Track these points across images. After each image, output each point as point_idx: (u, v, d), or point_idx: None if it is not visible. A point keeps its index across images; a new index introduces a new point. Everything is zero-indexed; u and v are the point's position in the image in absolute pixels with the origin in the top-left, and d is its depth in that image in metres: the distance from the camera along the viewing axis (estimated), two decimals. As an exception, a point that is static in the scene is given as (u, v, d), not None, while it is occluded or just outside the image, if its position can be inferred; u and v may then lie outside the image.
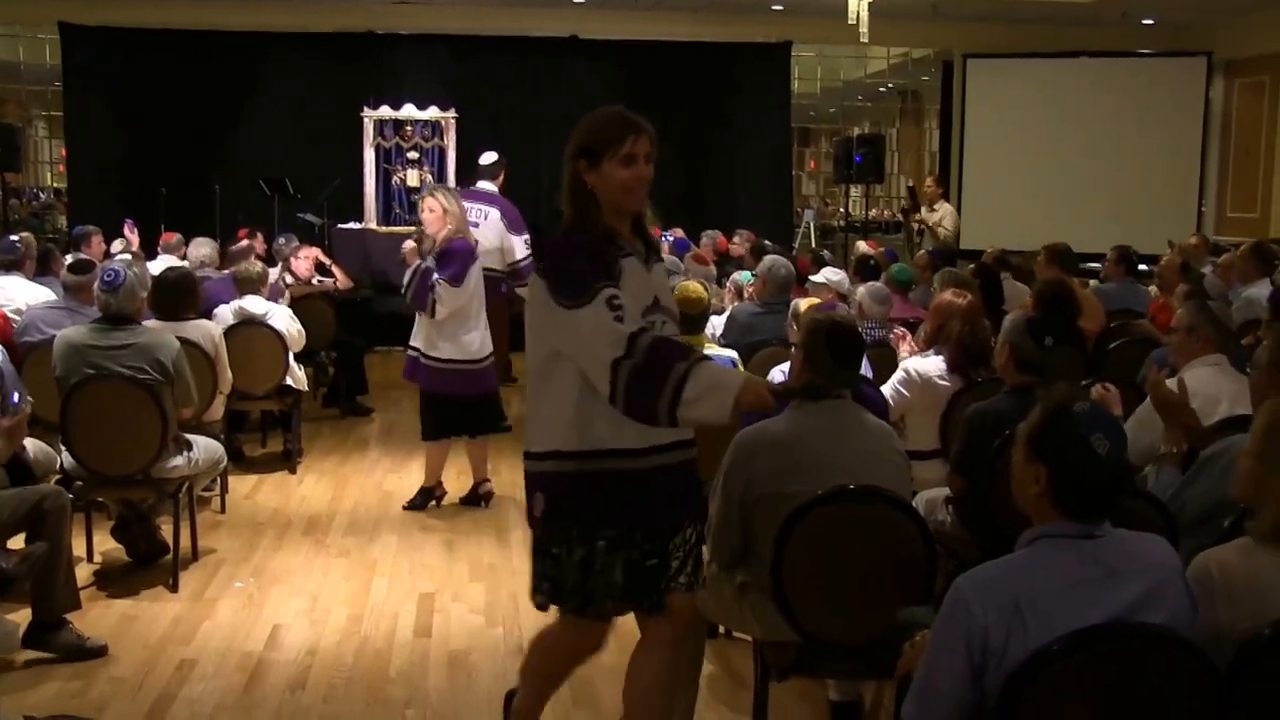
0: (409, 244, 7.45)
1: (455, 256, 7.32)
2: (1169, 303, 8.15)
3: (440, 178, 15.28)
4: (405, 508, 7.76)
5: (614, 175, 3.55)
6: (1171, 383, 4.82)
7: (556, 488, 3.57)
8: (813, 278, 8.60)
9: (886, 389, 5.98)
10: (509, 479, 8.15)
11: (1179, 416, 4.59)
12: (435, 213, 7.35)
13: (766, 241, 12.16)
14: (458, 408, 7.63)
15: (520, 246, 10.01)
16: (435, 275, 7.26)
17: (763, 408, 3.45)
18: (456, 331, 7.44)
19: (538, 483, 3.61)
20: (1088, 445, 2.74)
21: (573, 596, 3.62)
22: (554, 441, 3.54)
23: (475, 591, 6.31)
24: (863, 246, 12.30)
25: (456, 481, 8.04)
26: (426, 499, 7.84)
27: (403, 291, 7.48)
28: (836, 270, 8.94)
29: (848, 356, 4.21)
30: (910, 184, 18.64)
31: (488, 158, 10.46)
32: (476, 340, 7.53)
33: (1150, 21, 17.09)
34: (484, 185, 10.31)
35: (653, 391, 3.32)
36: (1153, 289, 9.86)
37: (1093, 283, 10.48)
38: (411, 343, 7.62)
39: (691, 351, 3.42)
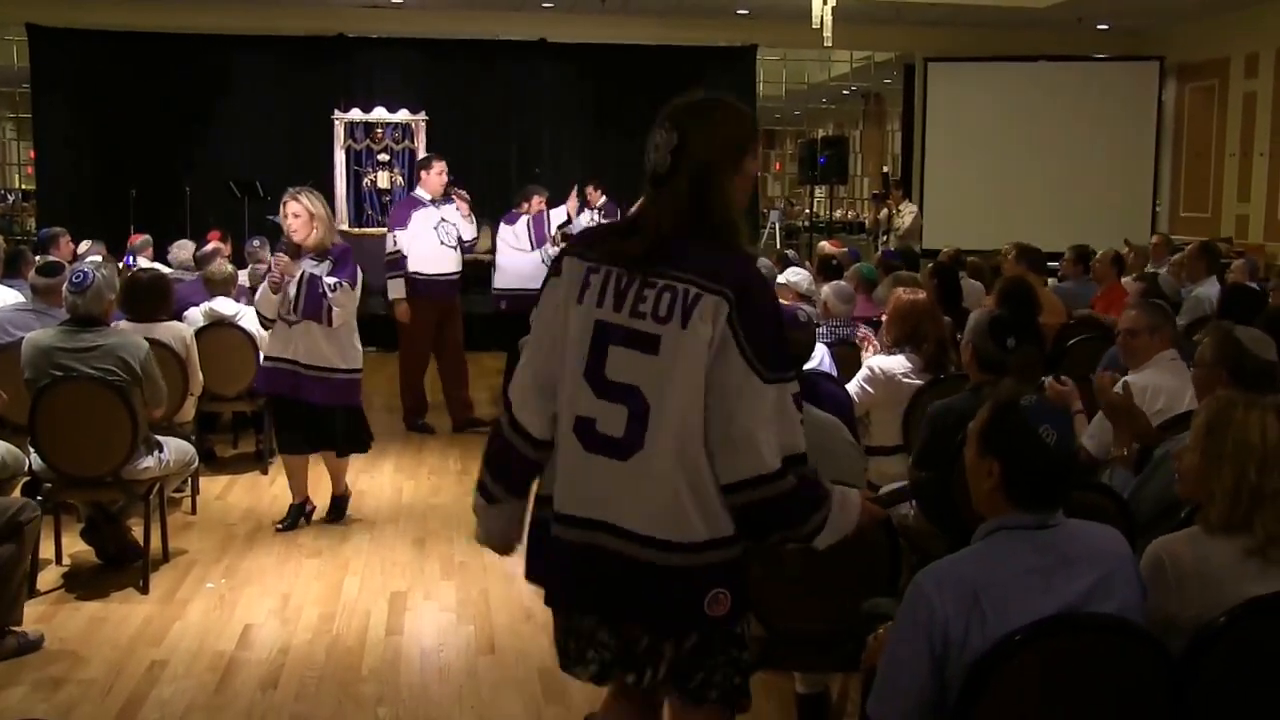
0: (279, 260, 6.87)
1: (346, 258, 6.98)
2: (1104, 298, 8.21)
3: (410, 180, 15.24)
4: (278, 529, 7.24)
5: (750, 174, 3.01)
6: (1122, 385, 4.85)
7: (735, 579, 2.91)
8: (777, 279, 8.59)
9: (852, 386, 5.98)
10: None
11: (1127, 419, 4.62)
12: (301, 217, 6.86)
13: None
14: (327, 419, 7.13)
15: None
16: (328, 280, 6.83)
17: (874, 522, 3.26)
18: (344, 338, 7.02)
19: (721, 575, 2.88)
20: (1035, 437, 2.76)
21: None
22: (718, 526, 2.86)
23: (446, 589, 6.27)
24: (826, 246, 12.31)
25: (407, 484, 7.97)
26: (297, 516, 7.33)
27: (292, 309, 6.89)
28: (799, 270, 8.93)
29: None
30: (886, 169, 18.67)
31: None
32: (357, 347, 7.13)
33: (1105, 27, 17.23)
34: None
35: (816, 501, 2.91)
36: (1096, 285, 9.94)
37: (1051, 281, 10.51)
38: (270, 352, 7.12)
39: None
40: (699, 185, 2.86)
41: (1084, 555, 2.78)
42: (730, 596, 2.88)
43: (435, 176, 9.55)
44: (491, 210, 13.08)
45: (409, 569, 6.61)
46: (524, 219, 11.32)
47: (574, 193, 11.59)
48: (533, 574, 3.07)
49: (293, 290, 6.88)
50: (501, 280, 11.55)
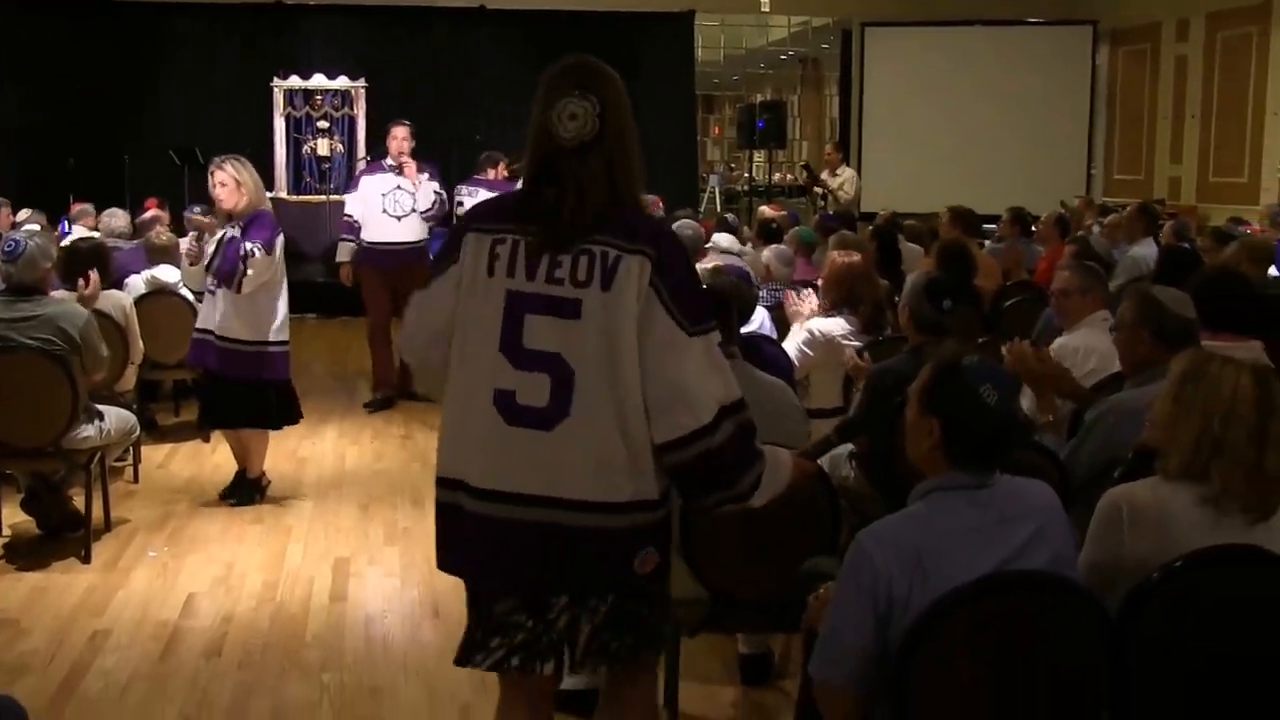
0: (194, 220, 6.70)
1: (265, 222, 6.72)
2: (1053, 260, 8.25)
3: (350, 147, 15.12)
4: (233, 503, 7.05)
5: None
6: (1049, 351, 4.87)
7: (661, 538, 2.93)
8: (708, 244, 8.61)
9: (791, 349, 5.98)
10: (424, 442, 8.14)
11: (1054, 383, 4.65)
12: (227, 185, 6.67)
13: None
14: (250, 393, 6.86)
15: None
16: (245, 244, 6.57)
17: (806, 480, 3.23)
18: (260, 308, 6.75)
19: (650, 536, 2.88)
20: (977, 396, 2.76)
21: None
22: (649, 487, 2.85)
23: (390, 555, 6.24)
24: (766, 210, 12.30)
25: (366, 448, 7.93)
26: (254, 489, 7.15)
27: (207, 268, 6.73)
28: (726, 235, 8.97)
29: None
30: (804, 162, 18.68)
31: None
32: (279, 319, 6.84)
33: (1040, -9, 17.28)
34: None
35: (750, 459, 2.87)
36: (1039, 248, 9.99)
37: (988, 243, 10.57)
38: (200, 324, 6.90)
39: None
40: (621, 152, 2.87)
41: (1020, 512, 2.80)
42: (657, 554, 2.90)
43: (395, 142, 9.39)
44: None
45: (353, 535, 6.57)
46: (481, 190, 11.08)
47: None
48: (450, 564, 2.99)
49: (210, 249, 6.74)
50: None
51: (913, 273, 5.82)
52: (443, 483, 2.93)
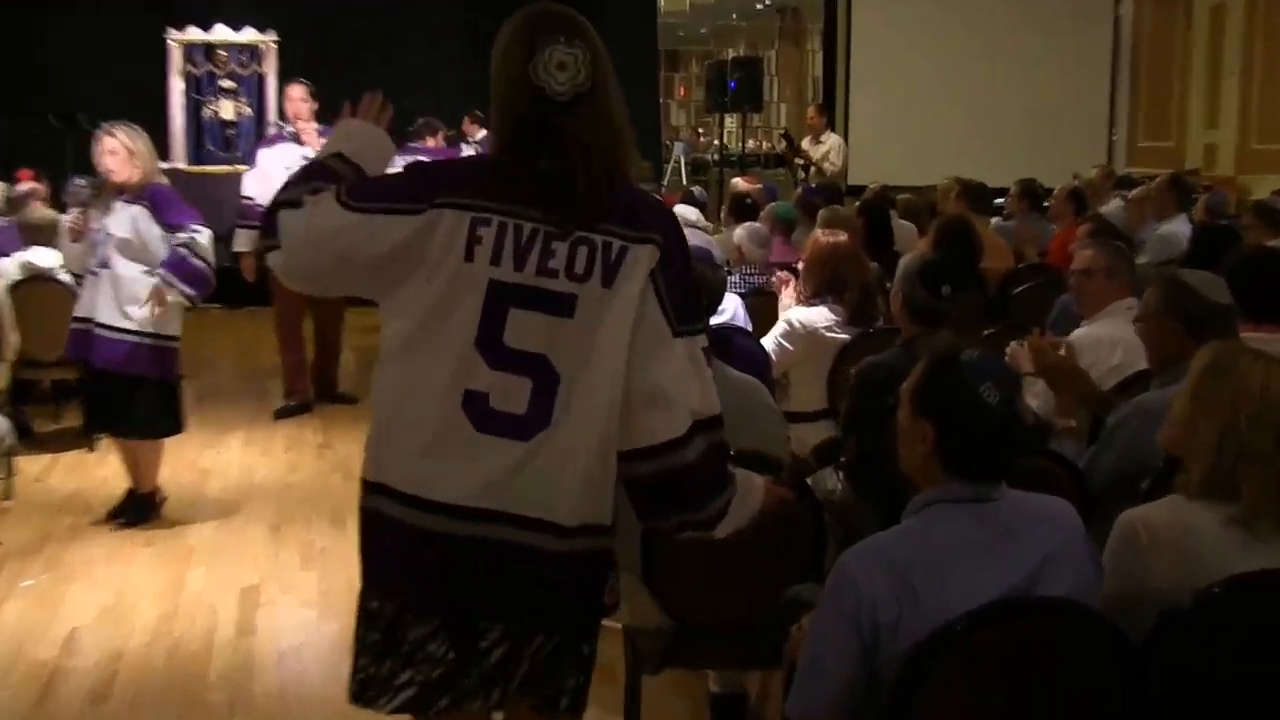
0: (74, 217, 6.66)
1: (172, 199, 6.72)
2: (1068, 239, 8.29)
3: (260, 111, 15.05)
4: (122, 522, 7.01)
5: None
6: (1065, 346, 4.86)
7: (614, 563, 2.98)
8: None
9: (768, 342, 6.01)
10: (345, 451, 8.14)
11: (1070, 383, 4.65)
12: (118, 155, 6.63)
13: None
14: (141, 393, 6.80)
15: None
16: (178, 236, 6.60)
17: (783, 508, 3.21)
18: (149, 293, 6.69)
19: (610, 562, 2.95)
20: (976, 395, 2.76)
21: None
22: (610, 511, 2.88)
23: (306, 581, 6.25)
24: (739, 183, 12.32)
25: (315, 456, 7.92)
26: (147, 507, 7.11)
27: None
28: (690, 209, 8.95)
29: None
30: (784, 130, 18.71)
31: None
32: (177, 310, 6.82)
33: (1055, -69, 17.35)
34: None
35: (720, 483, 2.88)
36: (1053, 226, 10.03)
37: (995, 220, 10.61)
38: (80, 312, 6.83)
39: None
40: (615, 110, 2.82)
41: (1030, 528, 2.80)
42: (617, 583, 2.92)
43: (291, 104, 9.34)
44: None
45: (262, 559, 6.57)
46: (423, 158, 11.06)
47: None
48: (384, 580, 2.89)
49: (103, 227, 6.70)
50: None
51: (907, 254, 5.83)
52: (369, 487, 2.86)
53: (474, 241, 2.74)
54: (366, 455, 2.86)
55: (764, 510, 3.00)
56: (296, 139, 9.22)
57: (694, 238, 7.75)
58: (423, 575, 2.82)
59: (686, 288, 2.80)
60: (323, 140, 8.87)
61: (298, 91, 9.33)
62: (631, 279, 2.72)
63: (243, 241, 9.32)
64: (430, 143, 11.09)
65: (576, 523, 2.77)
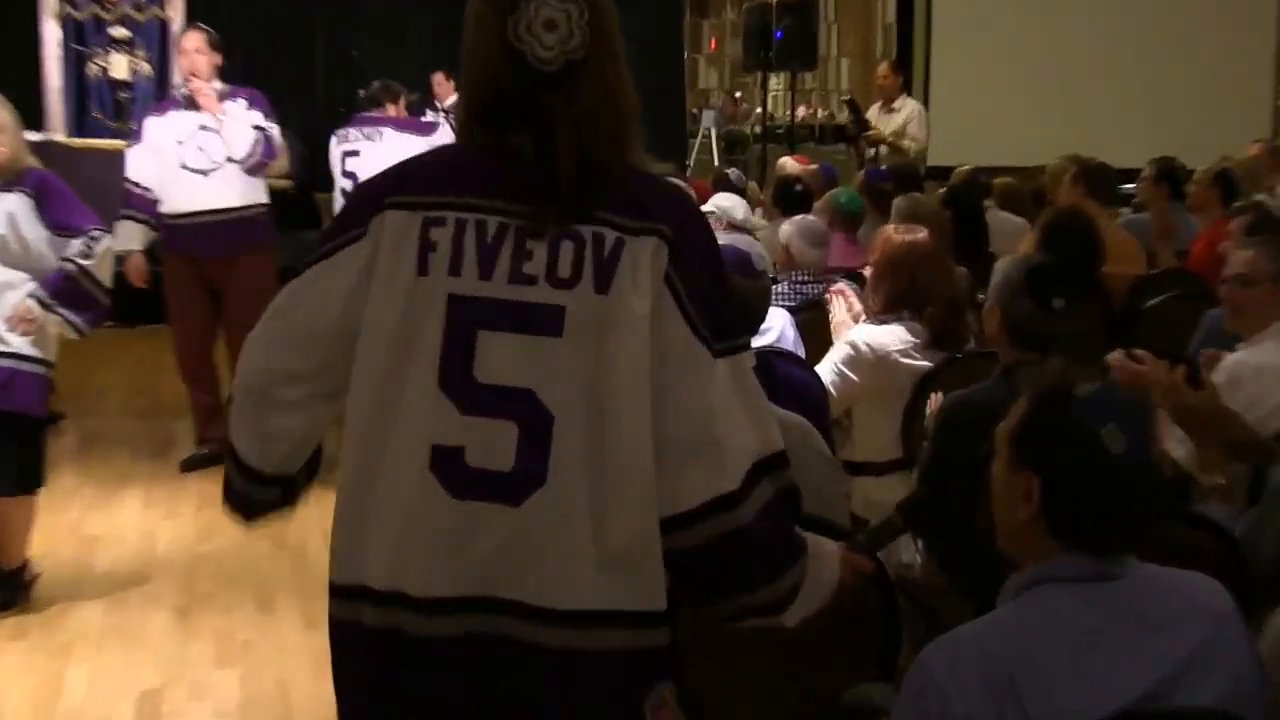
0: None
1: (55, 188, 6.82)
2: (1216, 236, 8.28)
3: (163, 67, 15.06)
4: None
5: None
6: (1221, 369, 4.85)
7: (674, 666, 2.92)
8: (706, 207, 8.61)
9: (824, 371, 6.00)
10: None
11: (1215, 427, 4.59)
12: None
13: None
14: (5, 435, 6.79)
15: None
16: (74, 244, 6.70)
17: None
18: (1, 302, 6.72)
19: (666, 663, 2.87)
20: (1096, 442, 2.76)
21: None
22: (657, 595, 2.80)
23: (224, 683, 6.27)
24: (788, 164, 12.32)
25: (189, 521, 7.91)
26: (13, 587, 7.09)
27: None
28: (729, 195, 8.92)
29: None
30: (849, 96, 18.68)
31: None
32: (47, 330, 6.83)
33: None
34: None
35: (790, 549, 2.87)
36: (1196, 220, 10.00)
37: (1124, 212, 10.60)
38: None
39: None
40: (619, 81, 2.82)
41: (1170, 618, 2.79)
42: (675, 696, 2.85)
43: (185, 58, 9.25)
44: (295, 116, 12.97)
45: (166, 653, 6.57)
46: (387, 133, 10.93)
47: None
48: (376, 701, 2.85)
49: None
50: None
51: (1006, 257, 5.83)
52: (340, 592, 2.84)
53: (427, 248, 2.74)
54: (332, 550, 2.83)
55: (842, 583, 3.00)
56: (192, 104, 9.13)
57: (740, 239, 7.81)
58: (392, 692, 2.79)
59: (717, 293, 2.78)
60: (229, 106, 8.94)
61: (192, 40, 9.24)
62: (634, 282, 2.69)
63: (128, 237, 9.23)
64: (391, 111, 11.04)
65: (591, 607, 2.71)
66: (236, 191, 9.26)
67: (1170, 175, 10.60)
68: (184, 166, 9.13)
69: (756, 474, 2.74)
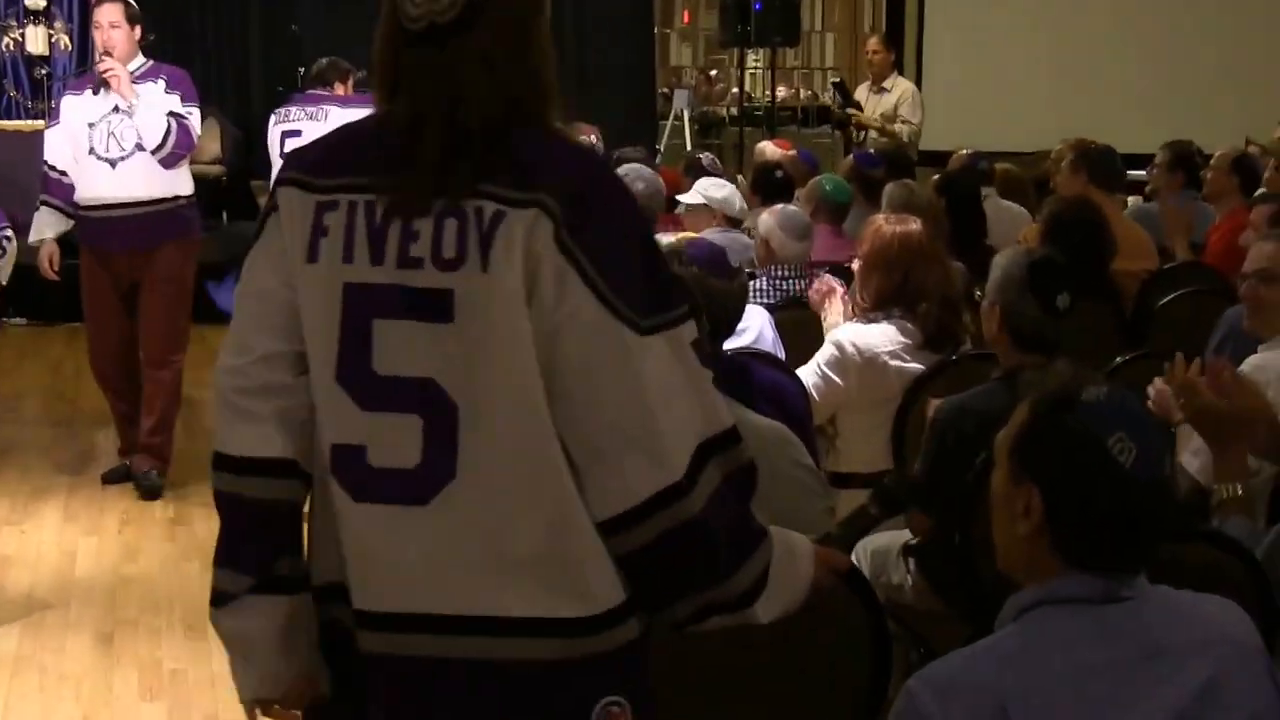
0: None
1: None
2: (1234, 227, 8.30)
3: (85, 40, 15.02)
4: None
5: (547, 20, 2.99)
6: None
7: (635, 679, 2.91)
8: (684, 198, 8.59)
9: (807, 374, 6.00)
10: (206, 530, 8.13)
11: (1233, 434, 4.58)
12: None
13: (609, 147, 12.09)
14: None
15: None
16: None
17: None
18: None
19: (613, 675, 2.86)
20: (1103, 452, 2.76)
21: None
22: (610, 592, 2.81)
23: (151, 716, 6.27)
24: (768, 149, 12.32)
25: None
26: None
27: None
28: (722, 182, 8.90)
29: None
30: (837, 79, 18.68)
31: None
32: None
33: None
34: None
35: (749, 536, 2.88)
36: (1213, 209, 10.00)
37: (1133, 200, 10.61)
38: None
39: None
40: (511, 40, 2.80)
41: (1183, 647, 2.78)
42: (628, 710, 2.84)
43: (99, 32, 8.98)
44: (224, 96, 12.94)
45: (87, 685, 6.56)
46: (330, 108, 10.85)
47: None
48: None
49: None
50: None
51: (1007, 249, 5.84)
52: (316, 593, 2.92)
53: (319, 234, 2.78)
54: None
55: (816, 584, 3.00)
56: (106, 84, 8.87)
57: (724, 235, 7.78)
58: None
59: (638, 263, 2.76)
60: (145, 88, 8.84)
61: (108, 13, 8.99)
62: (510, 255, 2.67)
63: (42, 226, 9.19)
64: (339, 89, 10.99)
65: (514, 614, 2.73)
66: (146, 183, 9.01)
67: (1187, 161, 10.59)
68: (92, 153, 8.93)
69: (702, 458, 2.74)
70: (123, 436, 9.46)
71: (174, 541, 8.22)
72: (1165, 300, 7.83)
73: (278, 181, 2.89)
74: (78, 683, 6.57)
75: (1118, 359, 5.73)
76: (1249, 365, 5.25)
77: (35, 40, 15.05)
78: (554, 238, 2.66)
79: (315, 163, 2.87)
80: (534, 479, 2.71)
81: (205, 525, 8.17)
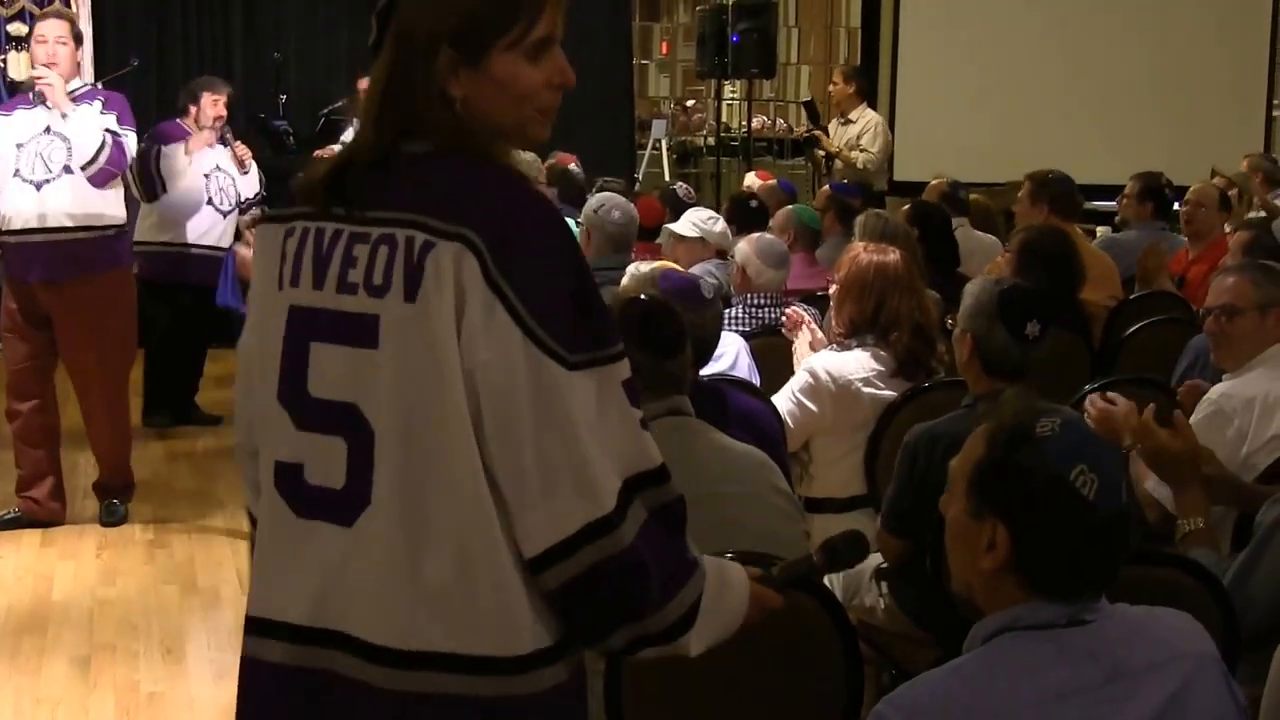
0: None
1: None
2: (1207, 259, 8.31)
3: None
4: None
5: (518, 77, 2.87)
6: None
7: None
8: (676, 228, 8.58)
9: (781, 401, 6.01)
10: (184, 553, 8.10)
11: (1191, 470, 4.60)
12: None
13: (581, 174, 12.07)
14: None
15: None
16: None
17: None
18: None
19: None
20: (1067, 486, 2.77)
21: None
22: (535, 633, 2.77)
23: (127, 740, 6.23)
24: (751, 179, 12.33)
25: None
26: None
27: None
28: (710, 213, 8.89)
29: (665, 344, 4.25)
30: (808, 99, 18.71)
31: None
32: None
33: None
34: None
35: (680, 570, 2.82)
36: (1183, 239, 10.04)
37: (1102, 231, 10.63)
38: None
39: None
40: (414, 66, 2.77)
41: (1144, 663, 2.80)
42: None
43: (44, 47, 8.64)
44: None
45: (64, 709, 6.54)
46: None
47: None
48: None
49: None
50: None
51: (978, 278, 5.84)
52: (249, 625, 2.88)
53: (282, 260, 2.81)
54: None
55: (747, 623, 2.97)
56: (42, 100, 8.58)
57: (707, 266, 7.79)
58: None
59: (570, 296, 2.70)
60: (81, 107, 8.65)
61: (53, 27, 8.75)
62: (437, 288, 2.65)
63: None
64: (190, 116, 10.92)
65: (416, 649, 2.69)
66: (71, 207, 8.64)
67: (1154, 192, 10.65)
68: (17, 174, 8.58)
69: (629, 492, 2.71)
70: (21, 481, 9.10)
71: (152, 564, 8.18)
72: (1132, 329, 7.84)
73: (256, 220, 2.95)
74: (54, 707, 6.55)
75: (1086, 386, 5.73)
76: (1215, 394, 5.26)
77: (17, 66, 15.02)
78: (480, 271, 2.63)
79: (295, 194, 2.87)
80: (451, 511, 2.67)
81: (183, 549, 8.17)
